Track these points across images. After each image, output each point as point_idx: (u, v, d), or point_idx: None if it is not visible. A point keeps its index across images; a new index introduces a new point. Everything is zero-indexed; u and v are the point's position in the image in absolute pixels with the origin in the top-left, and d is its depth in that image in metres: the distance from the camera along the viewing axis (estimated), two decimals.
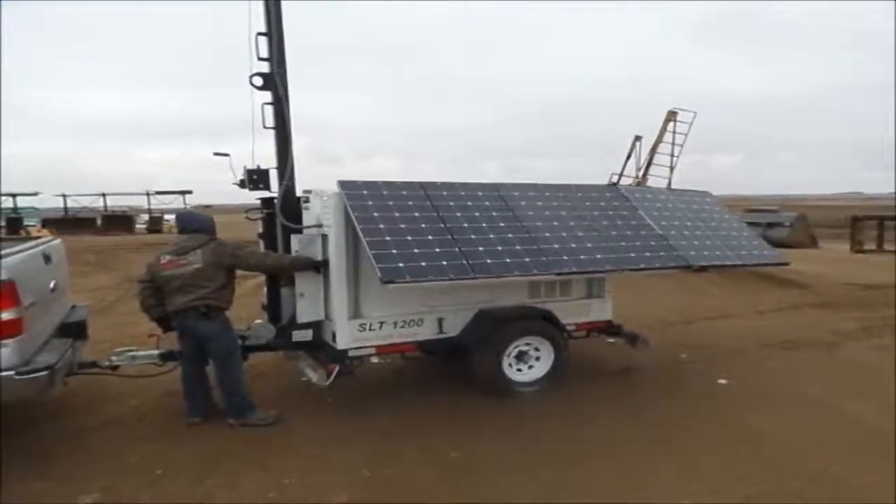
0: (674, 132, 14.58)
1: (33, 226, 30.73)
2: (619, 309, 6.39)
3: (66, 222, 33.06)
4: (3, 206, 34.46)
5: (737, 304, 9.70)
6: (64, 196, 36.17)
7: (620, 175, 15.91)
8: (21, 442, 4.36)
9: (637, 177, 15.44)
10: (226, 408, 4.72)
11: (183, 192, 36.67)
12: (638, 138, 15.77)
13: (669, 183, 14.36)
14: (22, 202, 35.21)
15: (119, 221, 33.34)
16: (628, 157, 15.95)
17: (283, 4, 5.33)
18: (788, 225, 19.83)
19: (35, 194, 35.80)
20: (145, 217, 35.52)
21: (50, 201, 38.19)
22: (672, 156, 14.58)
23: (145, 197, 36.83)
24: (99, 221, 33.33)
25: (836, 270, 12.61)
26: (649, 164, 14.89)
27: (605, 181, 13.87)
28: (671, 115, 14.61)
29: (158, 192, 37.15)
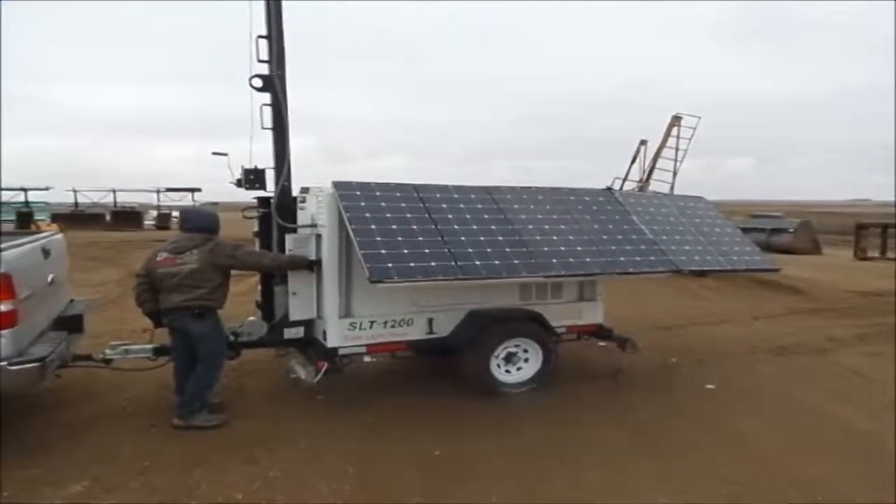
0: (677, 137, 14.65)
1: (43, 220, 31.01)
2: (615, 312, 6.44)
3: (76, 217, 33.34)
4: (15, 200, 34.83)
5: (733, 310, 9.73)
6: (75, 191, 36.50)
7: (624, 179, 15.97)
8: (18, 431, 4.48)
9: (641, 181, 15.49)
10: (179, 405, 4.69)
11: (192, 190, 36.83)
12: (643, 142, 15.83)
13: (672, 187, 14.41)
14: (33, 197, 35.56)
15: (128, 217, 33.56)
16: (633, 161, 16.02)
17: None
18: (792, 231, 19.79)
19: (46, 189, 36.14)
20: (154, 213, 35.76)
21: (61, 196, 38.52)
22: (675, 160, 14.64)
23: (155, 194, 37.11)
24: (108, 217, 33.60)
25: (836, 277, 12.60)
26: (653, 168, 14.94)
27: (610, 184, 13.94)
28: (675, 120, 14.67)
29: (168, 189, 37.38)
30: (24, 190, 35.09)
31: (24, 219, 29.63)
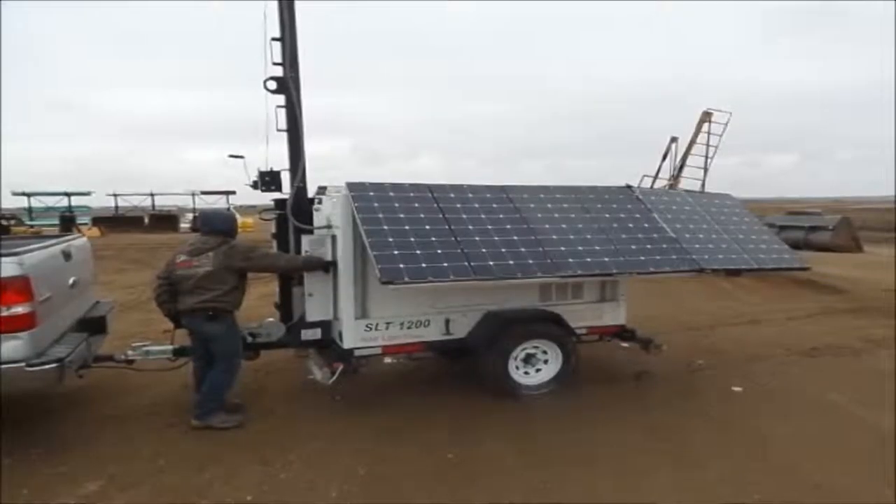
0: (708, 133, 14.30)
1: (85, 224, 31.99)
2: (642, 312, 6.28)
3: (117, 221, 34.37)
4: (58, 204, 36.03)
5: (767, 310, 9.44)
6: (115, 195, 37.59)
7: (655, 177, 15.66)
8: (42, 430, 4.60)
9: (671, 178, 15.19)
10: (196, 405, 4.74)
11: (227, 193, 37.54)
12: (673, 139, 15.50)
13: (703, 185, 14.07)
14: (75, 201, 36.73)
15: (165, 220, 34.48)
16: (664, 159, 15.70)
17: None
18: (831, 228, 19.14)
19: (88, 194, 37.31)
20: (189, 216, 36.56)
21: (102, 200, 39.76)
22: (706, 157, 14.29)
23: (190, 197, 37.95)
24: (146, 220, 34.51)
25: (877, 275, 12.15)
26: (682, 165, 14.62)
27: (639, 182, 13.69)
28: (706, 116, 14.33)
29: (203, 193, 38.18)
30: (68, 195, 36.22)
31: (67, 222, 30.57)
